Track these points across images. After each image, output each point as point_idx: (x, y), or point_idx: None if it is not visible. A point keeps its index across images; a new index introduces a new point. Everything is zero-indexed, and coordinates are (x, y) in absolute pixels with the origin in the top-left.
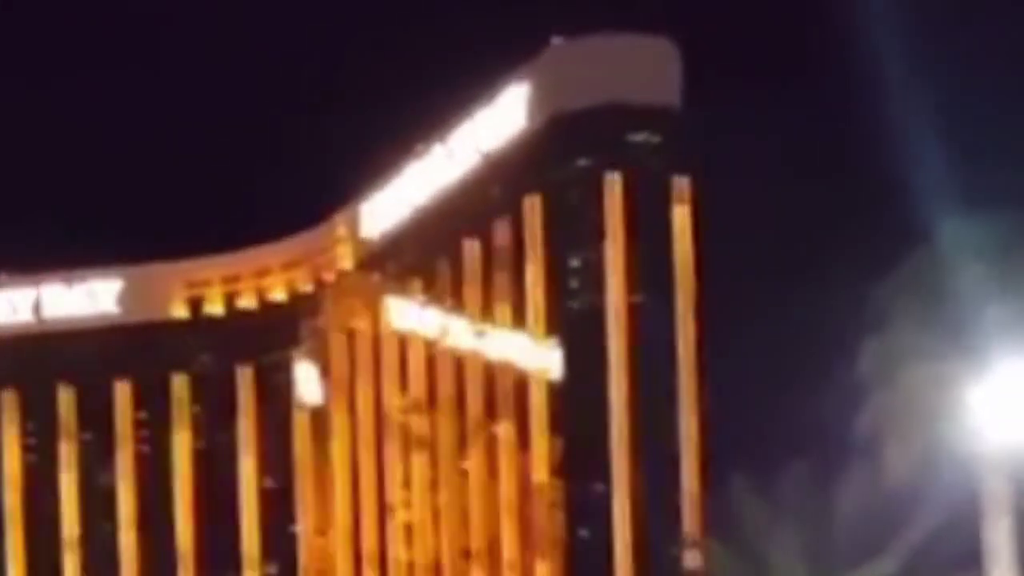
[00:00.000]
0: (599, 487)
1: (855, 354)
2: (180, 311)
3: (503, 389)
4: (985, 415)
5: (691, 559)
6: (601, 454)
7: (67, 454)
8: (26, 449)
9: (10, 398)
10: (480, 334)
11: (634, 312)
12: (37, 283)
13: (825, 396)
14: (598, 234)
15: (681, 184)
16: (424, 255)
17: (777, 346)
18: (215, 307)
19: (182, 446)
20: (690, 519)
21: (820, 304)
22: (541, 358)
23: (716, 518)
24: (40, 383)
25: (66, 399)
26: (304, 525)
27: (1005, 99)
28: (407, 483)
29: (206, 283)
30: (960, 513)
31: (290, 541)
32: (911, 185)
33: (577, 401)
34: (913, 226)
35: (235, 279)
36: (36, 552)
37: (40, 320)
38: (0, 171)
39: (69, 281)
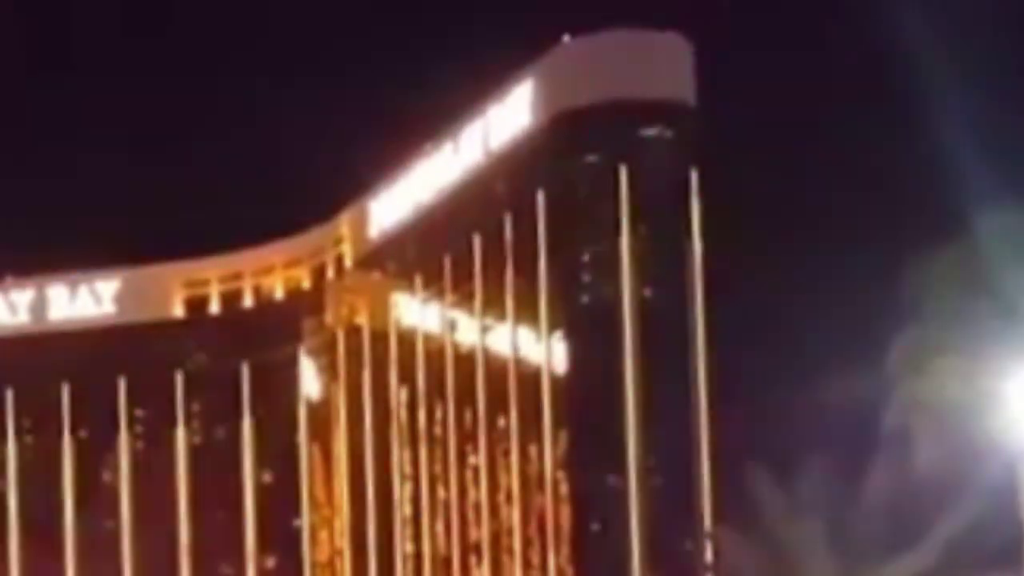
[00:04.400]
0: (612, 480)
1: (881, 345)
2: (179, 310)
3: (511, 383)
4: (1021, 407)
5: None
6: (614, 447)
7: (68, 451)
8: (27, 446)
9: (11, 396)
10: (486, 328)
11: (646, 305)
12: (38, 284)
13: (850, 387)
14: (610, 228)
15: (694, 178)
16: (432, 251)
17: (802, 337)
18: (215, 306)
19: (182, 442)
20: (705, 511)
21: (843, 295)
22: (548, 352)
23: (738, 510)
24: (41, 382)
25: (67, 397)
26: (307, 519)
27: None
28: (413, 477)
29: (205, 282)
30: (996, 507)
31: (292, 535)
32: (946, 174)
33: (589, 395)
34: (948, 215)
35: (236, 278)
36: (37, 548)
37: (41, 320)
38: (0, 175)
39: (70, 282)
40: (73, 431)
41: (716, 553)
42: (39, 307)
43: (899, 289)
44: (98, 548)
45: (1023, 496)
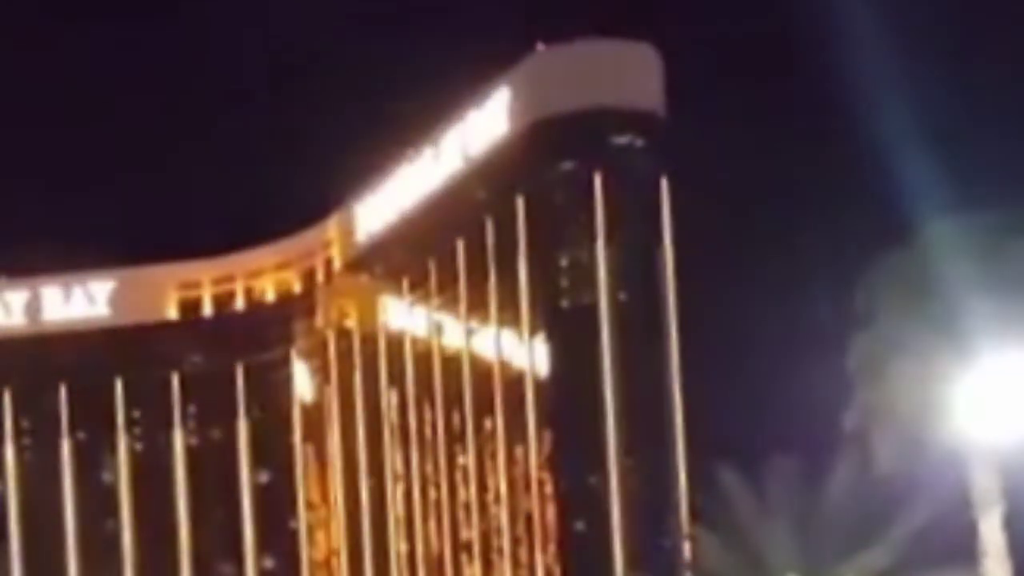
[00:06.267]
0: (594, 480)
1: (842, 349)
2: (173, 312)
3: (496, 385)
4: (971, 409)
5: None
6: (596, 448)
7: (65, 453)
8: (24, 448)
9: (7, 398)
10: (471, 332)
11: (622, 309)
12: (32, 285)
13: (814, 390)
14: (586, 234)
15: (664, 185)
16: (416, 255)
17: (764, 341)
18: (208, 308)
19: (178, 444)
20: (683, 511)
21: (806, 299)
22: (531, 355)
23: (708, 511)
24: (37, 384)
25: (63, 399)
26: (304, 520)
27: (990, 97)
28: (405, 478)
29: (199, 284)
30: (950, 506)
31: (290, 535)
32: (896, 182)
33: (570, 397)
34: (898, 222)
35: (228, 280)
36: (36, 550)
37: (36, 322)
38: None
39: (64, 283)
40: (71, 433)
41: (694, 552)
42: (34, 308)
43: (863, 291)
44: (98, 549)
45: (974, 496)
